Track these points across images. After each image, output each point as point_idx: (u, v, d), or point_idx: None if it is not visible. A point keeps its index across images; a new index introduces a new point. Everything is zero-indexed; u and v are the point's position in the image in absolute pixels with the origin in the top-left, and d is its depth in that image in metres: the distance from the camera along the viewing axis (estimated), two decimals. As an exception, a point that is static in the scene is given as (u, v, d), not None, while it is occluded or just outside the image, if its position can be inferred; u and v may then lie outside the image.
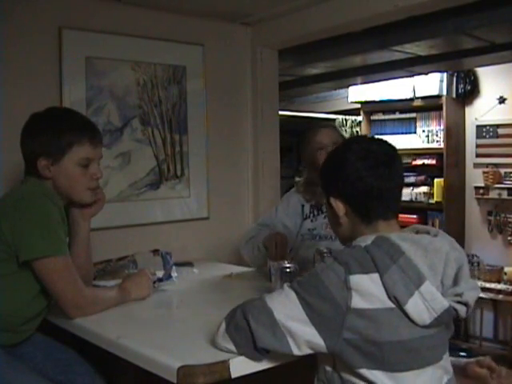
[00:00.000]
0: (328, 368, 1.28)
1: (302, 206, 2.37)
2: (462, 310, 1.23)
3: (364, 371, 1.21)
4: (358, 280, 1.19)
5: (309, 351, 1.24)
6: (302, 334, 1.21)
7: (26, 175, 1.76)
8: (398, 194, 1.38)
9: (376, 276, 1.19)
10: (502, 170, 4.14)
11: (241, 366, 1.30)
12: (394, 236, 1.25)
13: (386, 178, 1.32)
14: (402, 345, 1.19)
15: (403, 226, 1.41)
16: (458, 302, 1.22)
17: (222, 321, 1.33)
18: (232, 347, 1.29)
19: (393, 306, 1.19)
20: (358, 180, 1.31)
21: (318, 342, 1.21)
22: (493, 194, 4.15)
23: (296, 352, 1.24)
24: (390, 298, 1.18)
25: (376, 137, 1.47)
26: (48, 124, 1.73)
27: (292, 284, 1.29)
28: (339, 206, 1.36)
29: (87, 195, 1.80)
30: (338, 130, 2.39)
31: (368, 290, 1.18)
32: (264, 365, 1.32)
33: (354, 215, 1.35)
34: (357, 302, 1.18)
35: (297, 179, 2.50)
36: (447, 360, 1.32)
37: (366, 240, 1.27)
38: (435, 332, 1.24)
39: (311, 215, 2.35)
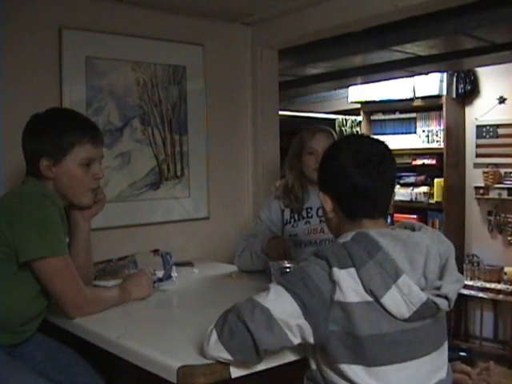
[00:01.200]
0: (313, 367, 1.29)
1: (282, 211, 2.34)
2: (442, 303, 1.24)
3: (344, 366, 1.21)
4: (338, 274, 1.21)
5: (301, 340, 1.25)
6: (297, 323, 1.22)
7: (27, 176, 1.76)
8: (386, 193, 1.38)
9: (352, 270, 1.22)
10: (502, 170, 4.14)
11: (241, 366, 1.30)
12: (373, 232, 1.27)
13: (374, 176, 1.32)
14: (382, 338, 1.20)
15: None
16: (438, 296, 1.23)
17: (209, 331, 1.29)
18: (227, 355, 1.25)
19: (370, 299, 1.21)
20: (345, 177, 1.33)
21: (308, 333, 1.23)
22: (493, 194, 4.15)
23: (295, 341, 1.25)
24: (366, 291, 1.21)
25: (371, 136, 1.48)
26: (49, 125, 1.74)
27: (279, 281, 1.30)
28: (327, 201, 1.39)
29: (88, 197, 1.81)
30: (333, 135, 2.32)
31: (346, 284, 1.20)
32: (264, 365, 1.32)
33: (340, 211, 1.38)
34: (338, 295, 1.20)
35: (277, 183, 2.45)
36: (439, 358, 1.32)
37: (346, 237, 1.30)
38: (419, 326, 1.24)
39: (292, 220, 2.32)
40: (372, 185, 1.33)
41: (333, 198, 1.38)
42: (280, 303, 1.24)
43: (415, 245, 1.27)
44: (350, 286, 1.20)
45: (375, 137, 1.48)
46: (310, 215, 2.30)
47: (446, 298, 1.24)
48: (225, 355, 1.26)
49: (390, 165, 1.37)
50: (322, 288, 1.21)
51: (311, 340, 1.23)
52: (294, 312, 1.22)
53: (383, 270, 1.20)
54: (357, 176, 1.32)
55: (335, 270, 1.21)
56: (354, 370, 1.21)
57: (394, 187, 1.42)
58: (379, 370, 1.21)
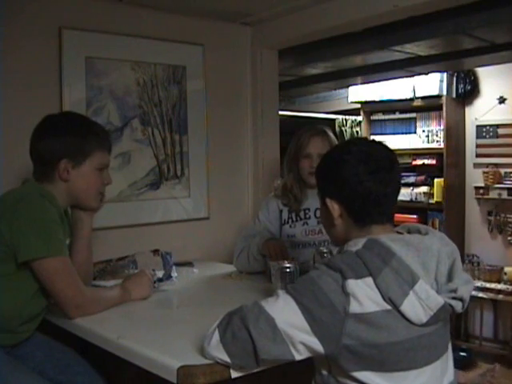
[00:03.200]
0: (324, 372, 1.28)
1: (281, 211, 2.33)
2: (457, 305, 1.24)
3: (358, 374, 1.20)
4: (353, 285, 1.18)
5: (309, 355, 1.23)
6: (303, 340, 1.20)
7: (34, 175, 1.77)
8: (394, 199, 1.37)
9: (369, 280, 1.19)
10: (502, 170, 4.14)
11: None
12: (385, 238, 1.25)
13: (385, 183, 1.31)
14: (401, 345, 1.19)
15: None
16: (453, 298, 1.23)
17: (212, 330, 1.28)
18: (226, 358, 1.25)
19: (389, 307, 1.19)
20: (358, 184, 1.30)
21: (318, 348, 1.20)
22: (493, 194, 4.15)
23: (298, 357, 1.22)
24: (385, 300, 1.18)
25: (375, 139, 1.46)
26: (72, 127, 1.77)
27: (288, 290, 1.26)
28: (335, 208, 1.35)
29: (97, 200, 1.85)
30: (329, 138, 2.29)
31: (364, 294, 1.18)
32: (264, 365, 1.32)
33: (348, 218, 1.35)
34: (354, 306, 1.18)
35: (276, 183, 2.45)
36: (447, 361, 1.32)
37: (357, 244, 1.27)
38: (433, 330, 1.24)
39: (290, 220, 2.32)
40: (384, 191, 1.31)
41: (341, 204, 1.35)
42: (286, 314, 1.21)
43: (427, 249, 1.26)
44: (367, 295, 1.18)
45: (374, 137, 1.48)
46: (307, 216, 2.30)
47: (461, 299, 1.24)
48: (224, 357, 1.25)
49: (397, 170, 1.37)
50: (333, 301, 1.18)
51: (322, 353, 1.21)
52: (301, 326, 1.19)
53: (399, 277, 1.19)
54: (369, 182, 1.29)
55: (351, 281, 1.19)
56: (370, 378, 1.20)
57: (399, 190, 1.40)
58: (397, 375, 1.20)
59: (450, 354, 1.34)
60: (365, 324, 1.17)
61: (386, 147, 1.39)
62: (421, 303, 1.18)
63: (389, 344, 1.18)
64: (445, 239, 1.33)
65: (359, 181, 1.30)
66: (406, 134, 4.59)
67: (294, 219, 2.31)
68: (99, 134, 1.81)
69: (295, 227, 2.30)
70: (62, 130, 1.75)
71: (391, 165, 1.34)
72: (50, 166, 1.73)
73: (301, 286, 1.26)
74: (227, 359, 1.25)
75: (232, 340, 1.24)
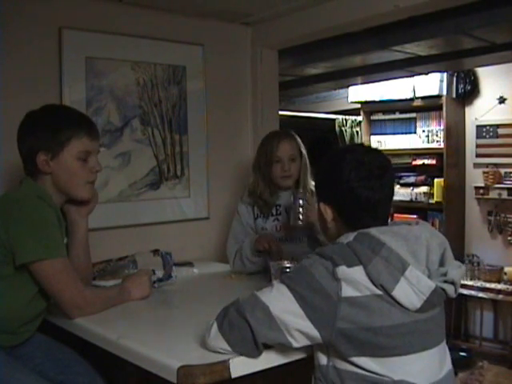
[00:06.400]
0: (322, 363, 1.30)
1: (253, 206, 2.37)
2: (449, 288, 1.27)
3: (356, 359, 1.23)
4: (344, 271, 1.23)
5: (307, 342, 1.27)
6: (298, 326, 1.24)
7: (25, 175, 1.76)
8: (387, 204, 1.41)
9: (360, 268, 1.23)
10: (502, 170, 4.14)
11: (241, 366, 1.30)
12: (374, 230, 1.29)
13: (377, 189, 1.35)
14: (396, 329, 1.22)
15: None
16: (445, 282, 1.26)
17: (211, 323, 1.33)
18: (226, 347, 1.29)
19: (380, 292, 1.22)
20: (349, 190, 1.35)
21: (314, 333, 1.24)
22: (493, 194, 4.16)
23: (295, 344, 1.26)
24: (376, 286, 1.22)
25: (371, 146, 1.49)
26: (45, 120, 1.74)
27: (282, 279, 1.32)
28: (328, 212, 1.42)
29: (86, 189, 1.79)
30: (296, 140, 2.31)
31: (355, 279, 1.22)
32: (264, 365, 1.32)
33: (341, 222, 1.40)
34: (347, 291, 1.22)
35: (248, 189, 2.45)
36: (445, 350, 1.35)
37: (348, 237, 1.31)
38: (429, 316, 1.27)
39: (261, 215, 2.36)
40: (374, 197, 1.35)
41: (334, 209, 1.41)
42: (281, 301, 1.26)
43: (416, 238, 1.30)
44: (358, 281, 1.22)
45: (374, 137, 1.49)
46: (278, 212, 2.34)
47: (453, 283, 1.27)
48: (224, 346, 1.29)
49: (390, 176, 1.41)
50: (325, 286, 1.23)
51: (319, 338, 1.24)
52: (295, 312, 1.24)
53: (390, 265, 1.22)
54: (360, 189, 1.34)
55: (343, 268, 1.22)
56: (367, 363, 1.22)
57: (393, 196, 1.44)
58: (395, 360, 1.23)
59: (446, 344, 1.36)
60: (358, 307, 1.21)
61: (380, 154, 1.44)
62: (412, 288, 1.22)
63: (383, 327, 1.21)
64: (434, 231, 1.37)
65: (350, 187, 1.35)
66: (405, 133, 4.60)
67: (266, 215, 2.35)
68: (75, 122, 1.75)
69: (266, 223, 2.35)
70: (37, 124, 1.74)
71: (383, 172, 1.37)
72: (31, 162, 1.71)
73: (294, 274, 1.32)
74: (227, 347, 1.29)
75: (230, 328, 1.28)
